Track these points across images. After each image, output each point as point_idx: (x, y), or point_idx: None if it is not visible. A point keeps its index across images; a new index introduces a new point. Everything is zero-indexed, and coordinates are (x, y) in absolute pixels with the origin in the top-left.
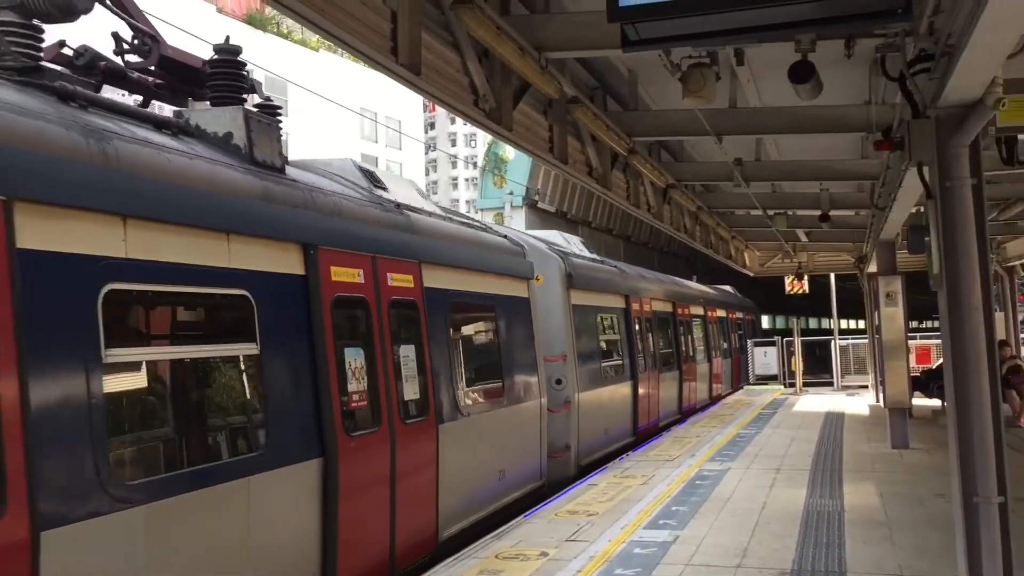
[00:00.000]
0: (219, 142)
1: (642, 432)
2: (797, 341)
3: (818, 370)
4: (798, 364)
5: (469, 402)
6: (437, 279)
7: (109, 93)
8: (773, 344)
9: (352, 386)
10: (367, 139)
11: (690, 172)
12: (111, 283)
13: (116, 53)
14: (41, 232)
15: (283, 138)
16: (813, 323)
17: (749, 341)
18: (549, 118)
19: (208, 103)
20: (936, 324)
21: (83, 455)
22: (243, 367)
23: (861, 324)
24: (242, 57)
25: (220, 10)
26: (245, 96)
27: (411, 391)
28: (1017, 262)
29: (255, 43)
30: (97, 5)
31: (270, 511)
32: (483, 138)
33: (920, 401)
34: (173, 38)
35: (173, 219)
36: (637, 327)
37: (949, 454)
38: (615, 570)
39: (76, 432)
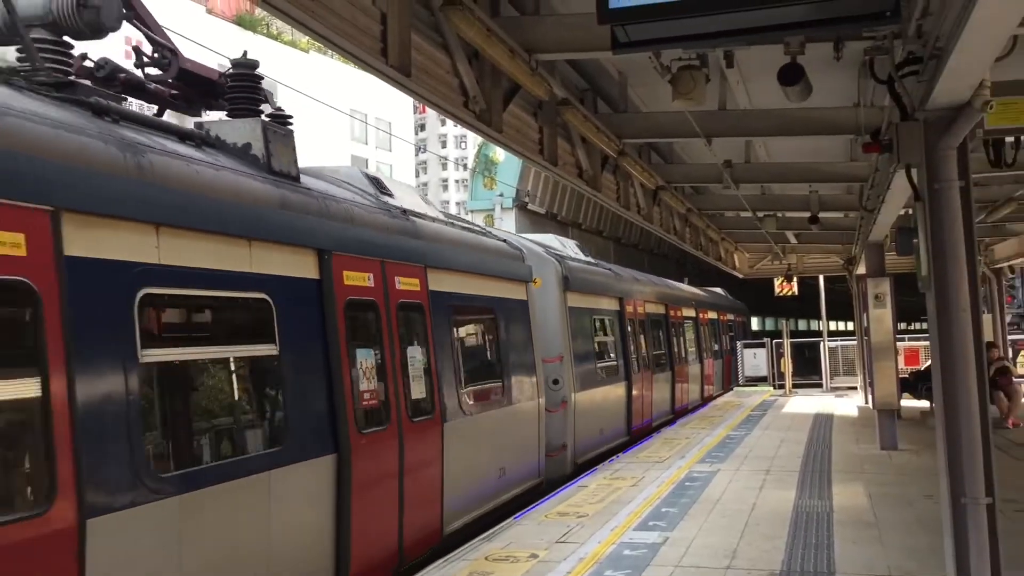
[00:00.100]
0: (239, 152)
1: (636, 432)
2: (787, 343)
3: (807, 371)
4: (787, 366)
5: (471, 402)
6: (441, 283)
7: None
8: (763, 346)
9: (363, 385)
10: (357, 140)
11: (680, 174)
12: (146, 287)
13: (137, 66)
14: (85, 240)
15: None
16: (803, 325)
17: (738, 343)
18: (539, 120)
19: (224, 112)
20: (924, 326)
21: (123, 449)
22: (264, 367)
23: (850, 326)
24: (258, 70)
25: (210, 11)
26: (262, 108)
27: (418, 391)
28: (1005, 264)
29: (244, 44)
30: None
31: (289, 503)
32: (473, 140)
33: (909, 402)
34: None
35: (201, 227)
36: (631, 329)
37: (937, 455)
38: (605, 572)
39: (117, 428)
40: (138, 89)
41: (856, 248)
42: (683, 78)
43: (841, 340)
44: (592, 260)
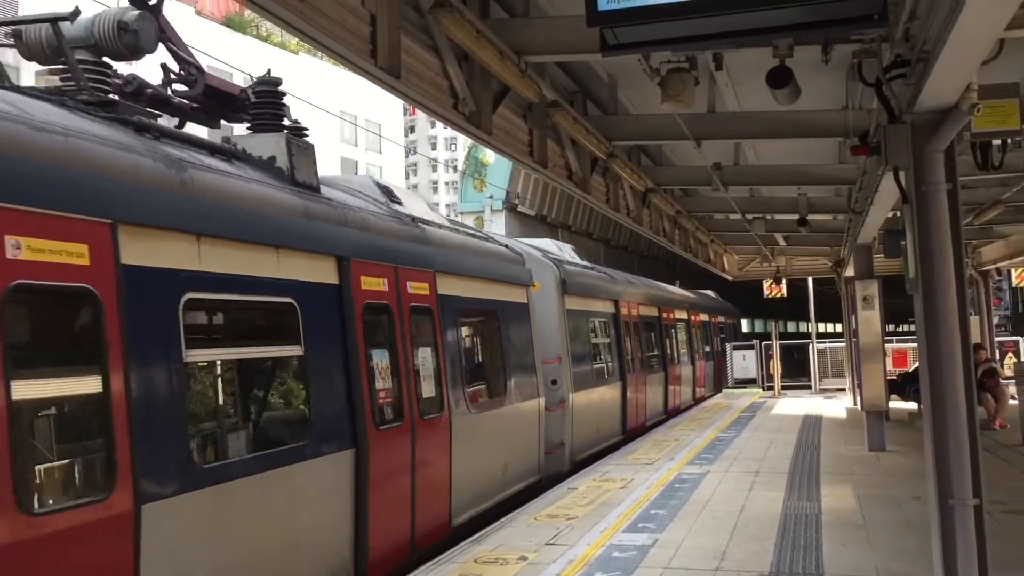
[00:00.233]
0: (264, 165)
1: (630, 431)
2: (776, 344)
3: (796, 373)
4: (776, 367)
5: (477, 400)
6: (449, 287)
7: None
8: (752, 347)
9: (379, 384)
10: (347, 143)
11: (669, 176)
12: (189, 292)
13: (165, 82)
14: (138, 250)
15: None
16: (791, 327)
17: (728, 345)
18: (529, 122)
19: (246, 125)
20: (912, 328)
21: (170, 443)
22: (290, 367)
23: (839, 328)
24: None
25: (199, 12)
26: (284, 122)
27: (428, 389)
28: (992, 266)
29: (233, 46)
30: None
31: (312, 495)
32: (463, 142)
33: (897, 404)
34: None
35: (236, 236)
36: (625, 331)
37: (925, 457)
38: (594, 574)
39: (165, 423)
40: (163, 103)
41: (844, 250)
42: (672, 80)
43: (830, 342)
44: (588, 264)
